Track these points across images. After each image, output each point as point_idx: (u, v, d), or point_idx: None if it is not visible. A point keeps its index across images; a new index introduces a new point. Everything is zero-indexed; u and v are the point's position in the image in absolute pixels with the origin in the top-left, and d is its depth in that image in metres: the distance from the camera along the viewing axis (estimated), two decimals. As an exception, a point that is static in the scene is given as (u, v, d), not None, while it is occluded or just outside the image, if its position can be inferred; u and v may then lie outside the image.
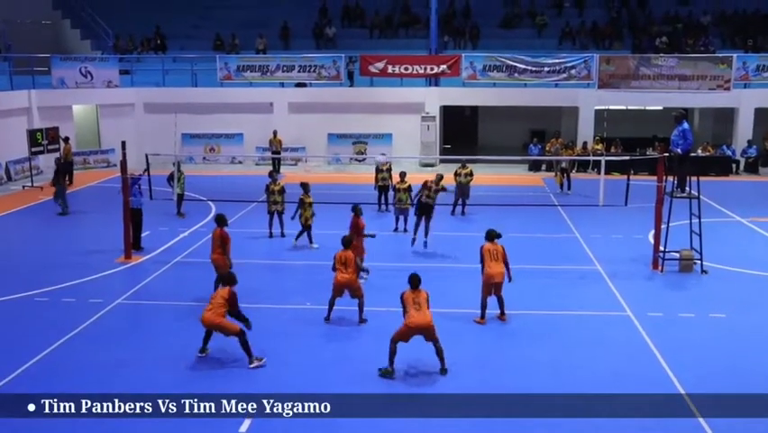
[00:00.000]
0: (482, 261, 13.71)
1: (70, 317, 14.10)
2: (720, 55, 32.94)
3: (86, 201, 26.18)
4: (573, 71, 32.49)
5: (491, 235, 13.92)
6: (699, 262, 17.15)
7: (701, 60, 32.33)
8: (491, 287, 13.70)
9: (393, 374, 11.53)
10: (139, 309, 14.84)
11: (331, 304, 13.88)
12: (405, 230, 20.42)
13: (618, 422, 10.23)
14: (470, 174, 22.42)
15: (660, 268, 17.24)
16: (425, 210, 18.64)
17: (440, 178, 19.08)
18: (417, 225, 18.81)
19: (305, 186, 18.87)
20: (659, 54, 33.19)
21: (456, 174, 22.56)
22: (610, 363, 12.18)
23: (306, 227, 18.81)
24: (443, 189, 19.27)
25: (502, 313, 13.94)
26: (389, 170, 22.92)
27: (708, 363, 12.23)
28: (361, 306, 13.85)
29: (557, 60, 32.67)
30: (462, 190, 22.50)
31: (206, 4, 41.00)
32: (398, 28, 38.29)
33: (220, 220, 14.95)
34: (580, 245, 19.57)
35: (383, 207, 22.83)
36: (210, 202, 23.36)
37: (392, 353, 11.54)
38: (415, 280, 11.79)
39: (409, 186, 20.35)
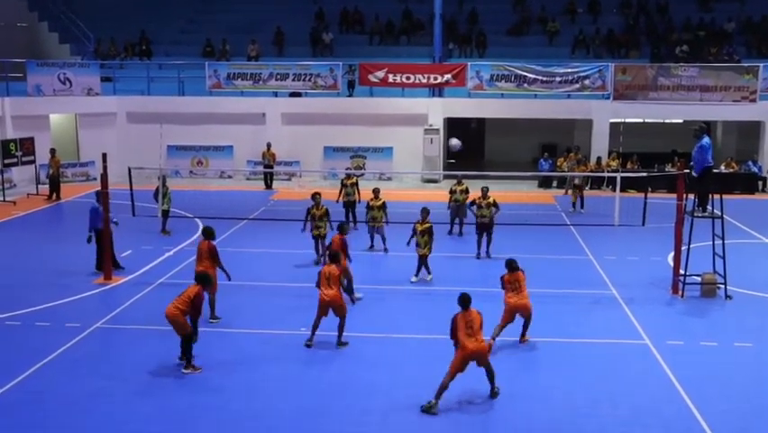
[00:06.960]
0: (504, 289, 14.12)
1: (45, 341, 14.04)
2: (745, 64, 33.02)
3: (63, 217, 26.17)
4: (587, 81, 32.64)
5: (510, 266, 14.13)
6: (722, 286, 17.12)
7: (725, 70, 32.44)
8: (513, 316, 13.94)
9: (436, 408, 11.49)
10: (119, 334, 14.77)
11: (314, 326, 13.96)
12: (384, 250, 20.70)
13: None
14: (466, 191, 22.42)
15: (680, 293, 17.21)
16: (483, 228, 20.03)
17: (486, 190, 20.30)
18: (479, 242, 20.19)
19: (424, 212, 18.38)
20: (679, 63, 33.31)
21: (452, 192, 22.58)
22: (629, 396, 12.09)
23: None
24: (495, 205, 20.05)
25: (523, 334, 14.15)
26: (355, 184, 22.96)
27: (734, 397, 12.16)
28: (341, 327, 13.93)
29: (569, 70, 32.82)
30: (459, 209, 22.52)
31: (195, 7, 41.25)
32: (400, 34, 38.48)
33: (208, 233, 15.44)
34: (593, 268, 19.54)
35: (351, 224, 22.73)
36: (197, 219, 23.35)
37: (443, 387, 11.50)
38: (465, 301, 11.81)
39: (383, 203, 20.64)
